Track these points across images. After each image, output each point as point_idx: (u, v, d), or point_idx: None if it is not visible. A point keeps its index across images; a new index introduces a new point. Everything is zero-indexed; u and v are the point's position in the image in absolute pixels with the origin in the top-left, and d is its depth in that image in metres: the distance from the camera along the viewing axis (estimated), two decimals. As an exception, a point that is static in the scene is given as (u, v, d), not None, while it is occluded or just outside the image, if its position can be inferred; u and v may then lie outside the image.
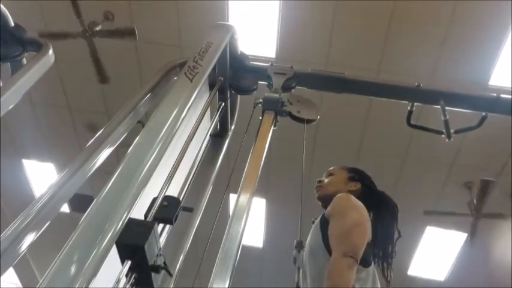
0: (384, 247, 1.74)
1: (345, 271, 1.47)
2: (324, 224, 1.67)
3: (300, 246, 1.77)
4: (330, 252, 1.57)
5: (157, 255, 1.16)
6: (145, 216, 1.26)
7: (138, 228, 1.11)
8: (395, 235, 1.77)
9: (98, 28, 4.89)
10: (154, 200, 1.32)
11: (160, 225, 1.34)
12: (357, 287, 1.51)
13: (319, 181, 1.94)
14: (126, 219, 1.10)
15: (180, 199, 1.56)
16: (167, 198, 1.34)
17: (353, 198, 1.71)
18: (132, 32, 4.85)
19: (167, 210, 1.30)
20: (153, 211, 1.28)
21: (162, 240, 1.41)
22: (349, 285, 1.45)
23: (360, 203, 1.69)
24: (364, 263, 1.58)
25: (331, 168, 2.00)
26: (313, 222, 1.79)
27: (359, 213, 1.64)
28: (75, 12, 4.69)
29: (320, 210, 1.83)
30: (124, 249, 1.09)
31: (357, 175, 1.93)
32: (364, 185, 1.88)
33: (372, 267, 1.63)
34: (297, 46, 5.17)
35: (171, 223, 1.31)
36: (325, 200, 1.79)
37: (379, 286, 1.63)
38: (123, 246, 1.08)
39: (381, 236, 1.73)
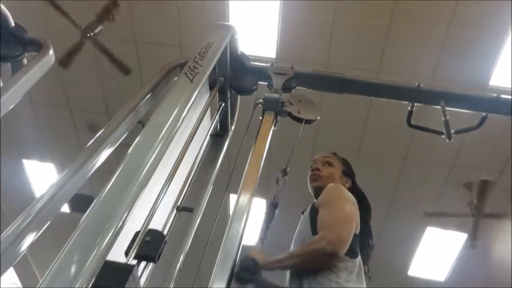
0: (365, 242, 1.76)
1: (318, 253, 1.49)
2: (314, 212, 1.68)
3: (285, 172, 1.80)
4: None
5: None
6: (126, 253, 1.17)
7: (115, 272, 1.02)
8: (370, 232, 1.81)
9: (98, 30, 4.89)
10: (137, 234, 1.22)
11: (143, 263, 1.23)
12: (343, 277, 1.51)
13: (317, 169, 1.91)
14: (127, 220, 1.09)
15: (180, 200, 1.56)
16: (150, 232, 1.23)
17: (344, 189, 1.76)
18: (127, 70, 4.86)
19: (150, 246, 1.18)
20: (134, 248, 1.18)
21: (145, 279, 1.35)
22: (307, 263, 1.49)
23: (350, 195, 1.73)
24: (352, 254, 1.58)
25: (326, 154, 1.97)
26: (303, 213, 1.80)
27: (350, 205, 1.67)
28: (68, 18, 4.71)
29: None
30: None
31: (348, 169, 1.95)
32: (353, 181, 1.92)
33: (359, 259, 1.63)
34: (297, 46, 5.16)
35: (153, 261, 1.20)
36: (319, 191, 1.79)
37: (363, 277, 1.63)
38: None
39: (362, 230, 1.74)
